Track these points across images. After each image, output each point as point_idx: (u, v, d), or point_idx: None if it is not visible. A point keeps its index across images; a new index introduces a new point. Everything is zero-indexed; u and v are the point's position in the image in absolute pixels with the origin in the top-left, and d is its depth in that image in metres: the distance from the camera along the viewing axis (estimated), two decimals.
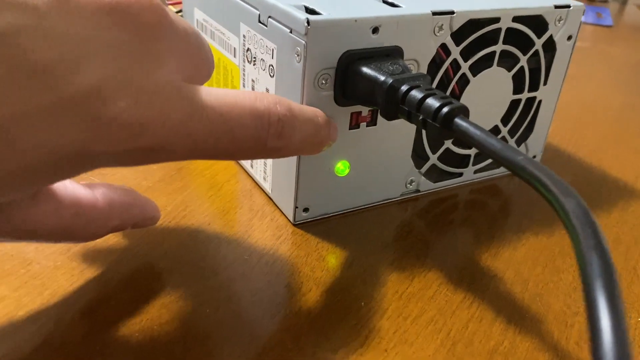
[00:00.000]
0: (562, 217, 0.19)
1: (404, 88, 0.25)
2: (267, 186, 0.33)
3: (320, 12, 0.27)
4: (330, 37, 0.27)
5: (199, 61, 0.21)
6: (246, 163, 0.36)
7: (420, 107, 0.25)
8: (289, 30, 0.27)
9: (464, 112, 0.24)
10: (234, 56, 0.34)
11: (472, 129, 0.23)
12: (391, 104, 0.26)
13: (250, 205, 0.33)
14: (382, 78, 0.26)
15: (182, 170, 0.35)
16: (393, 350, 0.24)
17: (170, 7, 0.41)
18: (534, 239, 0.32)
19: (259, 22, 0.30)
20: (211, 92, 0.20)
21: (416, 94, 0.25)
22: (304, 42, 0.26)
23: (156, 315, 0.24)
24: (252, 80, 0.32)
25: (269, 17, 0.29)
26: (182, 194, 0.33)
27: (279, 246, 0.29)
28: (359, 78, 0.27)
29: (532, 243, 0.32)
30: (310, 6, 0.28)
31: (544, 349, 0.24)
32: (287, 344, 0.24)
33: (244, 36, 0.32)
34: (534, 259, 0.30)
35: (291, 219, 0.31)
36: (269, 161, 0.32)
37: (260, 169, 0.34)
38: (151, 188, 0.33)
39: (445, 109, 0.24)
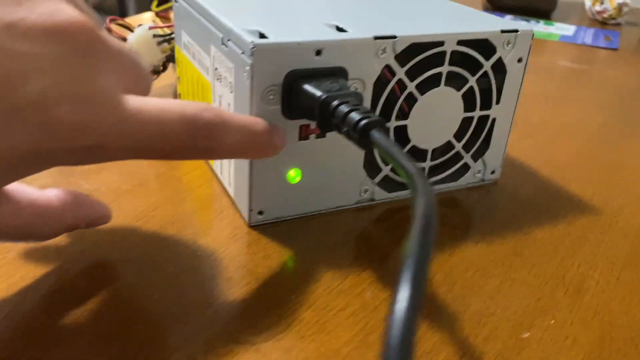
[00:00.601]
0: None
1: (335, 103, 0.29)
2: (231, 191, 0.37)
3: (268, 35, 0.31)
4: (274, 58, 0.30)
5: (135, 76, 0.24)
6: (217, 170, 0.39)
7: (344, 120, 0.28)
8: (241, 52, 0.31)
9: (380, 125, 0.27)
10: (207, 74, 0.37)
11: (384, 141, 0.26)
12: (324, 117, 0.29)
13: (215, 207, 0.36)
14: (318, 94, 0.29)
15: (161, 176, 0.39)
16: (310, 337, 0.26)
17: (159, 30, 0.45)
18: (472, 247, 0.34)
19: (222, 44, 0.33)
20: (145, 100, 0.24)
21: (343, 108, 0.28)
22: (250, 62, 0.30)
23: (109, 301, 0.28)
24: (219, 96, 0.36)
25: (228, 39, 0.32)
26: (155, 196, 0.37)
27: (232, 245, 0.33)
28: (301, 94, 0.30)
29: (471, 250, 0.34)
30: (263, 30, 0.31)
31: (450, 343, 0.27)
32: (216, 328, 0.27)
33: (213, 56, 0.36)
34: (468, 264, 0.33)
35: (247, 221, 0.34)
36: (232, 168, 0.36)
37: (227, 175, 0.37)
38: (129, 191, 0.37)
39: (362, 122, 0.27)
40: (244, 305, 0.28)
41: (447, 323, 0.28)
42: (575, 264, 0.33)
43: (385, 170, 0.37)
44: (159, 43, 0.46)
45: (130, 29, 0.49)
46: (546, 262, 0.33)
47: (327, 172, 0.35)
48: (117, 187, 0.37)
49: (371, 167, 0.37)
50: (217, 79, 0.35)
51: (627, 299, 0.31)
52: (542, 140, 0.50)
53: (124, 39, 0.49)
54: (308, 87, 0.30)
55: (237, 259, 0.31)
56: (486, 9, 0.99)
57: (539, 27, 0.90)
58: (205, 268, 0.31)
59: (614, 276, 0.33)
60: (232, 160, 0.35)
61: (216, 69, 0.35)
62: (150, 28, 0.46)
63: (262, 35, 0.31)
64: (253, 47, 0.29)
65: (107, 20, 0.50)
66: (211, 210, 0.36)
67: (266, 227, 0.34)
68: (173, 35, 0.46)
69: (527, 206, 0.39)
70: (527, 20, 0.93)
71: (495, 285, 0.31)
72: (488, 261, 0.33)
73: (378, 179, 0.37)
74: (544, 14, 1.00)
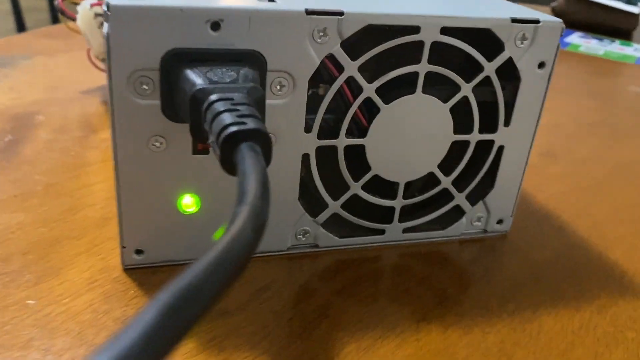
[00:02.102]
0: None
1: (212, 99, 0.18)
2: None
3: None
4: (144, 28, 0.20)
5: None
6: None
7: (211, 125, 0.17)
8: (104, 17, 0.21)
9: (256, 137, 0.17)
10: None
11: (247, 163, 0.15)
12: (195, 119, 0.19)
13: (93, 237, 0.27)
14: (193, 83, 0.19)
15: (51, 187, 0.30)
16: None
17: (99, 7, 0.37)
18: (441, 332, 0.23)
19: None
20: None
21: (217, 106, 0.18)
22: (106, 31, 0.20)
23: None
24: None
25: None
26: (27, 213, 0.28)
27: (83, 294, 0.23)
28: (180, 84, 0.20)
29: (438, 337, 0.23)
30: None
31: None
32: None
33: None
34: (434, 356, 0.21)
35: (121, 261, 0.25)
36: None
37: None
38: (2, 201, 0.28)
39: (227, 130, 0.16)
40: None
41: None
42: None
43: (334, 206, 0.26)
44: (102, 25, 0.38)
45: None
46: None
47: None
48: None
49: (312, 201, 0.26)
50: None
51: None
52: (584, 183, 0.37)
53: (74, 20, 0.41)
54: (189, 74, 0.20)
55: (76, 319, 0.22)
56: None
57: (613, 47, 0.76)
58: (24, 327, 0.21)
59: None
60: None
61: None
62: (91, 6, 0.38)
63: None
64: (107, 10, 0.20)
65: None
66: (85, 241, 0.26)
67: (148, 272, 0.25)
68: None
69: (541, 276, 0.27)
70: (600, 39, 0.79)
71: None
72: (461, 358, 0.22)
73: (323, 218, 0.26)
74: (623, 33, 0.85)
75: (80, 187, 0.30)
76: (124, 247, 0.24)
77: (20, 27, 1.34)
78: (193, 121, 0.19)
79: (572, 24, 0.86)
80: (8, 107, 0.40)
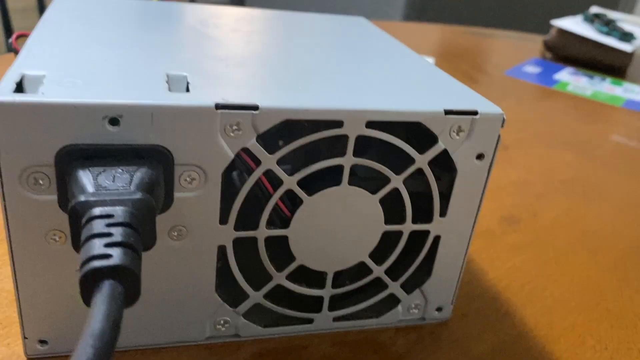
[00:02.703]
0: None
1: (91, 214, 0.17)
2: None
3: (35, 87, 0.20)
4: (35, 125, 0.19)
5: None
6: None
7: (81, 248, 0.16)
8: None
9: (123, 276, 0.15)
10: None
11: (98, 309, 0.14)
12: (75, 232, 0.18)
13: (2, 317, 0.25)
14: (77, 192, 0.18)
15: None
16: None
17: None
18: None
19: None
20: None
21: (92, 227, 0.17)
22: None
23: None
24: None
25: None
26: None
27: None
28: (70, 186, 0.19)
29: None
30: (36, 73, 0.20)
31: None
32: None
33: None
34: None
35: (24, 351, 0.23)
36: None
37: None
38: None
39: (90, 265, 0.15)
40: None
41: None
42: None
43: (255, 297, 0.25)
44: None
45: None
46: None
47: (153, 292, 0.23)
48: None
49: (230, 291, 0.25)
50: None
51: None
52: (543, 256, 0.36)
53: None
54: (80, 176, 0.19)
55: None
56: (545, 59, 0.84)
57: (603, 86, 0.74)
58: None
59: None
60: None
61: None
62: None
63: (18, 88, 0.20)
64: None
65: (14, 36, 0.41)
66: None
67: None
68: None
69: None
70: (591, 77, 0.77)
71: None
72: None
73: (244, 308, 0.25)
74: (616, 70, 0.83)
75: (2, 254, 0.29)
76: (25, 338, 0.23)
77: None
78: (73, 234, 0.18)
79: (565, 59, 0.85)
80: None
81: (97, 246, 0.16)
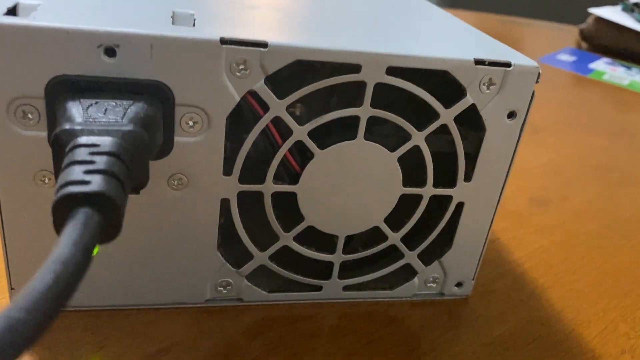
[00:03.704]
0: None
1: (74, 143, 0.15)
2: None
3: (28, 12, 0.18)
4: (25, 51, 0.17)
5: None
6: None
7: (59, 177, 0.15)
8: None
9: (101, 204, 0.13)
10: None
11: (68, 236, 0.12)
12: (58, 164, 0.16)
13: None
14: (62, 123, 0.16)
15: None
16: None
17: None
18: None
19: None
20: None
21: (74, 155, 0.15)
22: None
23: None
24: None
25: None
26: None
27: None
28: (59, 118, 0.17)
29: None
30: (29, 2, 0.19)
31: None
32: None
33: None
34: None
35: None
36: None
37: None
38: None
39: (64, 190, 0.13)
40: None
41: None
42: None
43: (260, 258, 0.23)
44: None
45: None
46: None
47: (149, 246, 0.22)
48: None
49: (234, 250, 0.23)
50: None
51: None
52: (572, 240, 0.33)
53: None
54: (69, 107, 0.17)
55: None
56: (580, 49, 0.81)
57: (638, 77, 0.70)
58: None
59: None
60: None
61: None
62: None
63: (11, 11, 0.18)
64: None
65: None
66: None
67: None
68: None
69: (497, 355, 0.24)
70: (628, 67, 0.74)
71: None
72: None
73: (247, 269, 0.23)
74: None
75: None
76: (12, 289, 0.21)
77: None
78: (55, 166, 0.16)
79: (600, 49, 0.81)
80: None
81: (76, 172, 0.14)
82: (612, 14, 0.79)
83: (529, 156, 0.43)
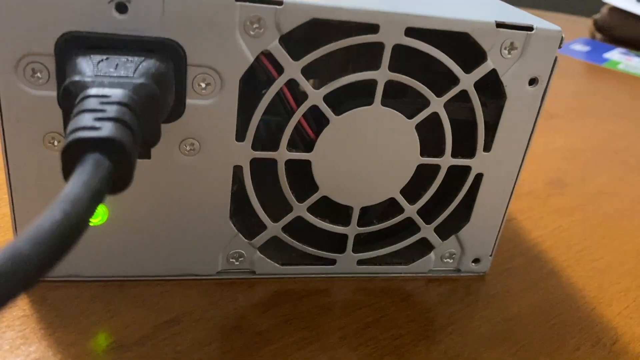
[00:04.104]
0: None
1: (84, 94, 0.15)
2: None
3: None
4: (33, 6, 0.17)
5: None
6: None
7: (67, 125, 0.14)
8: None
9: (111, 150, 0.13)
10: None
11: (78, 177, 0.12)
12: (67, 117, 0.15)
13: (1, 241, 0.23)
14: (71, 76, 0.16)
15: None
16: None
17: None
18: None
19: None
20: None
21: (84, 104, 0.14)
22: None
23: None
24: None
25: None
26: None
27: None
28: (69, 73, 0.17)
29: None
30: None
31: None
32: None
33: None
34: None
35: None
36: None
37: None
38: None
39: (74, 135, 0.13)
40: None
41: None
42: None
43: (273, 229, 0.23)
44: None
45: None
46: None
47: (156, 214, 0.21)
48: None
49: (246, 221, 0.22)
50: None
51: None
52: (591, 220, 0.32)
53: None
54: (80, 62, 0.16)
55: None
56: (594, 39, 0.80)
57: None
58: None
59: None
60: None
61: None
62: None
63: None
64: None
65: None
66: None
67: (46, 287, 0.21)
68: None
69: (516, 334, 0.23)
70: None
71: None
72: None
73: (260, 240, 0.23)
74: None
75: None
76: None
77: None
78: (64, 120, 0.15)
79: (615, 39, 0.80)
80: None
81: (86, 119, 0.13)
82: (627, 3, 0.78)
83: (545, 140, 0.42)
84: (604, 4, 0.80)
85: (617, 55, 0.72)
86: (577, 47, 0.74)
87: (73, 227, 0.10)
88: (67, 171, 0.13)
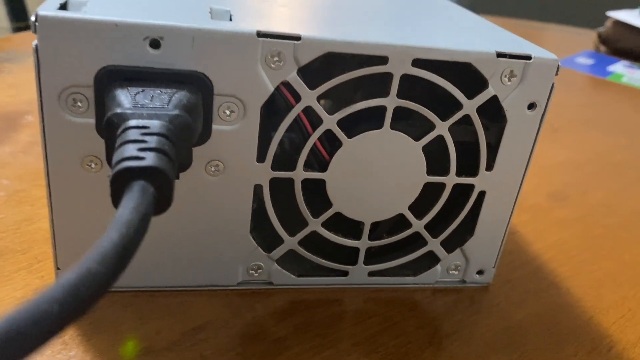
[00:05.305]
0: None
1: (126, 125, 0.17)
2: None
3: (78, 7, 0.20)
4: (76, 43, 0.19)
5: None
6: None
7: (113, 155, 0.16)
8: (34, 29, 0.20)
9: (155, 178, 0.15)
10: None
11: (127, 203, 0.14)
12: (110, 146, 0.17)
13: (39, 252, 0.25)
14: (113, 107, 0.18)
15: (15, 194, 0.29)
16: None
17: None
18: None
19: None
20: None
21: (127, 135, 0.16)
22: (35, 43, 0.19)
23: None
24: None
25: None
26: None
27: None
28: (109, 104, 0.19)
29: None
30: (97, 2, 0.20)
31: None
32: None
33: None
34: None
35: None
36: None
37: None
38: None
39: (122, 165, 0.15)
40: None
41: None
42: None
43: (290, 242, 0.24)
44: None
45: None
46: None
47: (188, 226, 0.23)
48: None
49: (265, 235, 0.24)
50: None
51: None
52: (592, 232, 0.34)
53: None
54: (118, 94, 0.18)
55: None
56: (598, 52, 0.81)
57: None
58: None
59: None
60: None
61: None
62: None
63: (63, 6, 0.20)
64: (36, 20, 0.18)
65: None
66: (28, 256, 0.25)
67: None
68: None
69: (518, 340, 0.24)
70: None
71: None
72: None
73: (278, 254, 0.24)
74: None
75: (44, 196, 0.29)
76: (58, 269, 0.23)
77: None
78: (108, 148, 0.17)
79: (619, 52, 0.81)
80: (2, 104, 0.39)
81: (131, 149, 0.15)
82: (631, 17, 0.79)
83: (548, 153, 0.44)
84: (608, 17, 0.82)
85: (621, 68, 0.74)
86: (581, 61, 0.75)
87: (128, 246, 0.12)
88: (116, 196, 0.14)
